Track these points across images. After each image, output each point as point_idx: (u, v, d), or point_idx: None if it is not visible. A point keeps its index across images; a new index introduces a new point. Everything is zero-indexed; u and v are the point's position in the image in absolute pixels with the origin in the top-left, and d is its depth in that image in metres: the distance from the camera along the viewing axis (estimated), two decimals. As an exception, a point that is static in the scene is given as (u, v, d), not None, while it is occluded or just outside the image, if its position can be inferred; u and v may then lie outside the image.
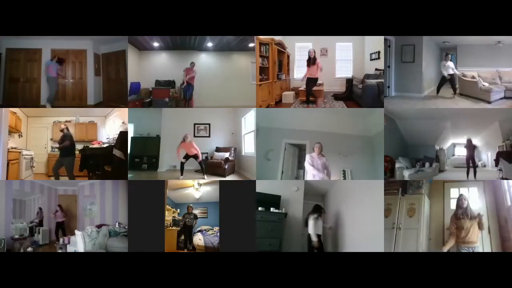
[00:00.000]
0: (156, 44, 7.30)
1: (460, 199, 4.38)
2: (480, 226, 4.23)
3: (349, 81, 7.18)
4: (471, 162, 5.39)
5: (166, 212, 4.84)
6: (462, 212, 4.27)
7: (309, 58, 6.42)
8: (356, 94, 6.56)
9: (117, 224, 5.47)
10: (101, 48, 6.89)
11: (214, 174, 6.54)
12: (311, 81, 6.37)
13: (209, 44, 7.26)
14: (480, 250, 4.21)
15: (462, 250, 4.22)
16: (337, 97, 6.84)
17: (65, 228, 5.91)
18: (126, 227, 4.82)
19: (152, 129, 7.80)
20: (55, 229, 5.88)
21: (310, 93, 6.36)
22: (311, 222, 4.97)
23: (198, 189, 6.05)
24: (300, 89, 6.99)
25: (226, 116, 8.00)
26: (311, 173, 5.08)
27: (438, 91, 6.27)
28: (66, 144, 5.63)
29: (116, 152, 5.21)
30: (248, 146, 7.12)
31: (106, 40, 6.54)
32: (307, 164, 5.14)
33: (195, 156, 6.24)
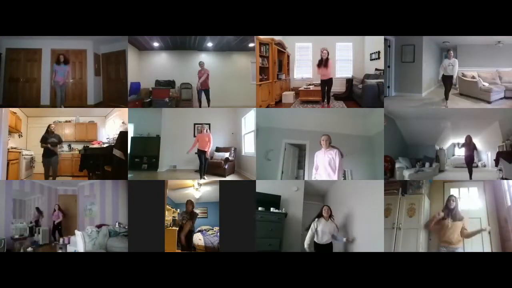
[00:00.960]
0: (156, 44, 7.30)
1: (449, 199, 4.46)
2: (462, 233, 4.30)
3: (349, 81, 7.18)
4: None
5: (166, 212, 4.84)
6: (447, 213, 4.38)
7: (321, 59, 6.05)
8: (356, 94, 6.57)
9: (117, 224, 5.47)
10: (101, 48, 6.89)
11: (214, 174, 6.55)
12: (326, 83, 6.06)
13: (209, 44, 7.26)
14: (477, 250, 4.24)
15: (441, 250, 4.34)
16: (337, 97, 6.84)
17: (62, 229, 5.83)
18: (126, 227, 4.82)
19: (152, 129, 7.80)
20: (52, 230, 5.80)
21: (326, 96, 6.10)
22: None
23: (198, 189, 6.05)
24: (300, 89, 6.99)
25: (226, 116, 8.01)
26: (316, 174, 4.73)
27: (447, 97, 5.73)
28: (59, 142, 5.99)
29: (116, 152, 5.21)
30: (248, 146, 7.13)
31: (106, 40, 6.54)
32: (314, 166, 4.81)
33: (203, 152, 6.14)
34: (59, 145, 6.09)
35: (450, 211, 4.39)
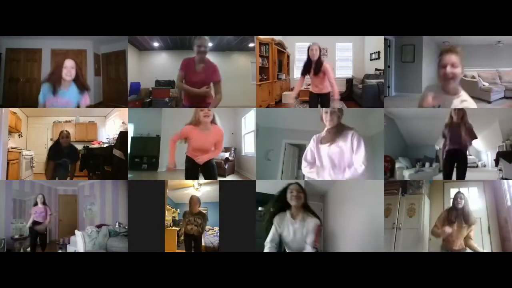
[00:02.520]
0: (156, 44, 7.31)
1: (456, 197, 4.22)
2: (466, 242, 4.01)
3: (349, 81, 7.19)
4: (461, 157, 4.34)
5: (166, 212, 4.84)
6: (456, 215, 4.13)
7: (309, 60, 4.21)
8: (356, 94, 6.57)
9: (117, 224, 5.47)
10: (101, 48, 6.89)
11: (214, 174, 6.54)
12: (320, 98, 4.32)
13: (209, 44, 7.26)
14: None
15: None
16: (337, 97, 6.84)
17: (45, 237, 5.00)
18: (126, 227, 4.82)
19: (152, 129, 7.80)
20: (31, 234, 4.85)
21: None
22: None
23: (198, 189, 6.05)
24: (300, 89, 6.99)
25: (226, 116, 8.00)
26: (312, 171, 3.27)
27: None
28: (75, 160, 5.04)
29: (116, 152, 5.21)
30: (248, 146, 7.13)
31: (106, 40, 6.53)
32: (306, 156, 3.35)
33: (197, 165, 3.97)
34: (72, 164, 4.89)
35: (458, 212, 4.07)
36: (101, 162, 5.87)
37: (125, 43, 5.47)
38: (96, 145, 6.86)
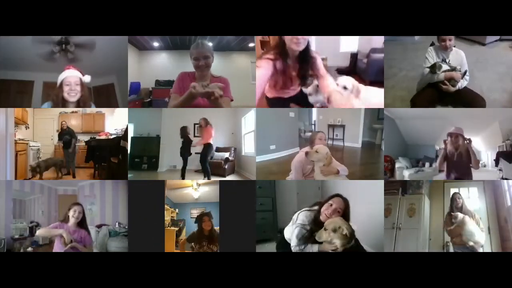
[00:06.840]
0: (156, 44, 7.30)
1: (454, 198, 4.38)
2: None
3: (354, 56, 6.97)
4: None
5: (166, 212, 4.84)
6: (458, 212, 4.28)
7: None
8: (360, 69, 6.36)
9: (117, 224, 5.47)
10: (91, 82, 6.88)
11: (214, 174, 6.55)
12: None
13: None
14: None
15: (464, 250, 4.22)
16: (340, 71, 6.68)
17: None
18: (126, 227, 4.82)
19: (152, 129, 7.81)
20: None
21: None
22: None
23: (197, 189, 6.05)
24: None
25: (226, 116, 8.01)
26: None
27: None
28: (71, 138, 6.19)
29: (125, 144, 5.20)
30: (248, 146, 7.13)
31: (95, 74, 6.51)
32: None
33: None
34: (74, 140, 6.20)
35: (459, 210, 4.30)
36: (107, 154, 5.84)
37: (113, 77, 5.40)
38: (103, 137, 6.79)
